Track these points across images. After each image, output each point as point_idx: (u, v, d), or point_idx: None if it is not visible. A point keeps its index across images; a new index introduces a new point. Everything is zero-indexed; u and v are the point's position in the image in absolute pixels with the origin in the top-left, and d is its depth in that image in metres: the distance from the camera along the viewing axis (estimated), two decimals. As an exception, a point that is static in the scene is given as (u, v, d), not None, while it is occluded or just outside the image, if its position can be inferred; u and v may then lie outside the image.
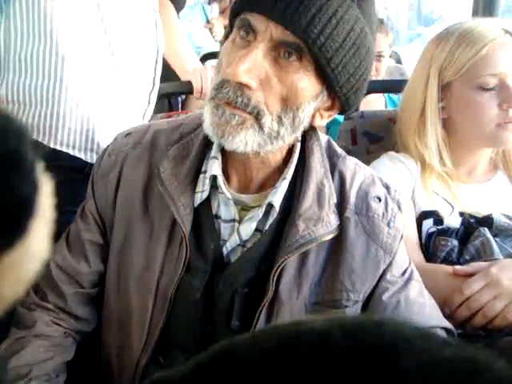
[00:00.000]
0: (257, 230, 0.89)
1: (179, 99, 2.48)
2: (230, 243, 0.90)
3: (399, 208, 0.93)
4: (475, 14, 1.86)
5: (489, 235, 1.14)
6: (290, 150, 0.90)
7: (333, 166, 0.93)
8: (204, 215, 0.90)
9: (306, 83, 0.80)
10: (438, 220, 1.19)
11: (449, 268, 1.08)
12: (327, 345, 0.31)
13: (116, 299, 0.95)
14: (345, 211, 0.90)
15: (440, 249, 1.16)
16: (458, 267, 1.07)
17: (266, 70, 0.79)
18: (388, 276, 0.92)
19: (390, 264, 0.92)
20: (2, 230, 0.37)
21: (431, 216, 1.20)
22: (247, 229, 0.89)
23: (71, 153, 1.21)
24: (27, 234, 0.39)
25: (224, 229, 0.91)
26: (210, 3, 3.25)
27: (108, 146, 0.99)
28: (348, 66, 0.81)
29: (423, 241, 1.19)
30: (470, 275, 1.03)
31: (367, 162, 1.39)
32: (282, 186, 0.88)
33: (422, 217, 1.21)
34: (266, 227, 0.89)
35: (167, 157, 0.91)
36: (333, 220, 0.88)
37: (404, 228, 0.95)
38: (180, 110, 2.33)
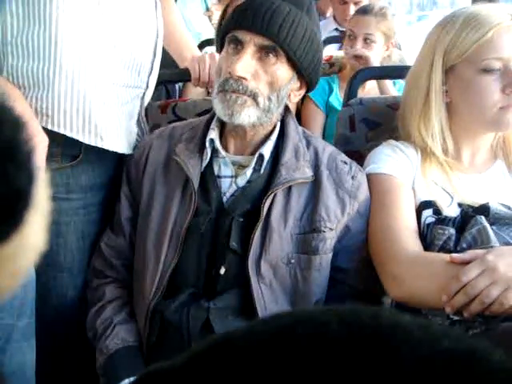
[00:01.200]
0: (248, 181, 1.20)
1: (177, 86, 2.47)
2: (229, 192, 1.21)
3: (360, 170, 1.25)
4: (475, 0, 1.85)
5: (485, 223, 1.14)
6: (274, 128, 1.24)
7: (308, 142, 1.26)
8: (208, 175, 1.22)
9: (282, 71, 1.17)
10: (437, 210, 1.19)
11: (446, 256, 1.09)
12: (325, 335, 0.31)
13: (137, 252, 1.24)
14: (319, 167, 1.22)
15: (437, 237, 1.16)
16: (454, 255, 1.07)
17: (255, 67, 1.15)
18: (352, 212, 1.21)
19: (354, 205, 1.21)
20: None
21: (430, 206, 1.20)
22: (243, 178, 1.21)
23: (68, 134, 1.19)
24: (23, 226, 0.39)
25: (224, 183, 1.22)
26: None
27: (138, 144, 1.35)
28: (307, 55, 1.17)
29: (422, 230, 1.19)
30: (467, 263, 1.03)
31: (366, 150, 1.40)
32: (269, 144, 1.21)
33: (422, 207, 1.21)
34: (261, 171, 1.20)
35: (181, 140, 1.25)
36: (307, 170, 1.20)
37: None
38: (178, 97, 2.32)
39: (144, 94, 1.38)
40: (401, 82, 2.11)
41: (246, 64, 1.13)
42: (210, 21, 2.96)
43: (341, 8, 2.71)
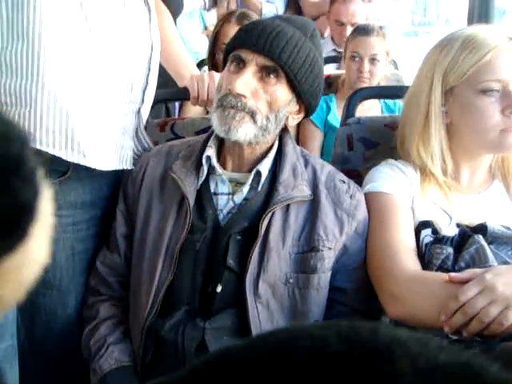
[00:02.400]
0: (245, 199, 1.20)
1: (176, 105, 2.48)
2: (226, 209, 1.21)
3: (358, 189, 1.25)
4: (470, 20, 1.87)
5: (483, 242, 1.14)
6: (271, 146, 1.24)
7: (306, 161, 1.26)
8: (204, 192, 1.22)
9: (282, 92, 1.17)
10: (436, 230, 1.19)
11: (444, 275, 1.08)
12: (323, 350, 0.31)
13: (133, 269, 1.24)
14: (317, 186, 1.22)
15: (435, 256, 1.16)
16: (453, 274, 1.07)
17: (255, 85, 1.16)
18: (350, 232, 1.21)
19: (352, 224, 1.21)
20: (4, 233, 0.38)
21: (429, 226, 1.20)
22: (240, 196, 1.20)
23: (51, 152, 1.17)
24: (28, 238, 0.40)
25: (221, 200, 1.22)
26: (208, 10, 3.26)
27: (136, 161, 1.34)
28: (308, 79, 1.18)
29: (420, 250, 1.19)
30: (466, 282, 1.03)
31: (365, 168, 1.41)
32: (266, 161, 1.22)
33: (420, 226, 1.21)
34: (259, 189, 1.20)
35: (178, 158, 1.25)
36: (305, 189, 1.20)
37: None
38: (177, 115, 2.33)
39: (139, 108, 1.36)
40: (398, 103, 2.14)
41: (247, 82, 1.14)
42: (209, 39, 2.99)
43: (338, 29, 2.75)
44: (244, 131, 1.15)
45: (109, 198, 1.35)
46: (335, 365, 0.30)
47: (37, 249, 0.42)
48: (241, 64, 1.16)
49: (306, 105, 1.23)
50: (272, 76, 1.15)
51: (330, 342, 0.31)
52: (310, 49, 1.18)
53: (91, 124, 1.23)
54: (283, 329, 0.34)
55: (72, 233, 1.29)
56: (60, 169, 1.22)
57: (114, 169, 1.30)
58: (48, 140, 1.17)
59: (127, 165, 1.35)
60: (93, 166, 1.23)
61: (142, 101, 1.36)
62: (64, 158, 1.19)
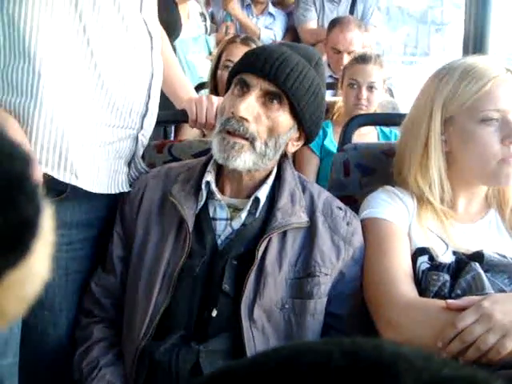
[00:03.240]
0: (243, 224, 1.20)
1: (172, 127, 2.49)
2: (224, 234, 1.21)
3: (355, 216, 1.25)
4: (466, 51, 1.90)
5: (480, 270, 1.14)
6: (270, 172, 1.25)
7: (304, 188, 1.27)
8: (203, 217, 1.22)
9: (284, 118, 1.18)
10: (433, 257, 1.20)
11: (441, 302, 1.08)
12: (327, 365, 0.31)
13: (128, 291, 1.23)
14: (315, 212, 1.22)
15: (432, 283, 1.16)
16: (450, 301, 1.07)
17: (258, 110, 1.16)
18: (347, 258, 1.21)
19: (349, 251, 1.21)
20: (7, 249, 0.38)
21: (426, 253, 1.20)
22: (238, 221, 1.21)
23: (43, 170, 1.17)
24: (30, 254, 0.40)
25: (219, 225, 1.22)
26: (209, 34, 3.30)
27: (134, 183, 1.35)
28: (310, 107, 1.19)
29: (417, 276, 1.19)
30: (463, 309, 1.03)
31: (361, 195, 1.41)
32: (265, 188, 1.22)
33: (417, 253, 1.21)
34: (257, 215, 1.20)
35: (177, 181, 1.26)
36: (303, 216, 1.20)
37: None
38: (173, 137, 2.34)
39: (138, 134, 1.37)
40: (394, 130, 2.16)
41: (250, 106, 1.15)
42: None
43: (335, 57, 2.79)
44: (243, 160, 1.17)
45: (104, 219, 1.35)
46: (340, 379, 0.30)
47: (38, 264, 0.43)
48: (245, 88, 1.17)
49: (307, 132, 1.24)
50: (275, 102, 1.16)
51: (334, 357, 0.31)
52: (314, 77, 1.19)
53: (85, 145, 1.23)
54: (286, 345, 0.35)
55: (66, 252, 1.28)
56: (58, 188, 1.22)
57: (105, 192, 1.30)
58: (41, 158, 1.17)
59: (122, 188, 1.35)
60: (84, 188, 1.23)
61: (141, 127, 1.37)
62: (56, 177, 1.19)
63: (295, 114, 1.18)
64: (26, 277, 0.42)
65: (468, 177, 1.26)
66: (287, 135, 1.20)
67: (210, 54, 3.05)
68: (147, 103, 1.36)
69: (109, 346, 1.24)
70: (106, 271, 1.29)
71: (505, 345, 0.97)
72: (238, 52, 2.10)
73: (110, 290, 1.28)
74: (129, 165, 1.40)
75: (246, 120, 1.15)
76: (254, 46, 2.01)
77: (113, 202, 1.34)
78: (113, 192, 1.33)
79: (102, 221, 1.34)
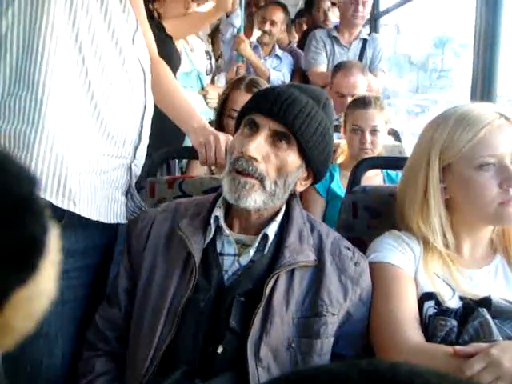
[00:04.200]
0: (251, 261, 1.21)
1: (176, 162, 2.51)
2: (232, 270, 1.21)
3: (363, 257, 1.26)
4: (473, 95, 1.92)
5: (488, 316, 1.14)
6: (279, 210, 1.26)
7: (312, 227, 1.28)
8: (211, 252, 1.22)
9: (292, 158, 1.19)
10: (439, 302, 1.20)
11: (449, 348, 1.07)
12: (345, 383, 0.31)
13: (133, 325, 1.23)
14: (323, 252, 1.23)
15: (439, 329, 1.15)
16: (458, 347, 1.06)
17: (267, 150, 1.18)
18: (354, 299, 1.21)
19: (356, 291, 1.21)
20: (16, 266, 0.40)
21: (432, 298, 1.20)
22: (246, 257, 1.21)
23: (42, 196, 1.17)
24: (38, 272, 0.42)
25: (227, 261, 1.22)
26: (218, 73, 3.35)
27: (139, 215, 1.36)
28: (318, 147, 1.21)
29: (424, 321, 1.19)
30: (470, 356, 1.02)
31: (369, 237, 1.42)
32: (273, 225, 1.23)
33: (424, 298, 1.21)
34: (265, 251, 1.21)
35: (186, 215, 1.27)
36: (311, 254, 1.21)
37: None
38: (180, 173, 2.37)
39: (131, 164, 1.39)
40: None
41: (259, 146, 1.17)
42: (205, 100, 3.06)
43: (339, 101, 2.82)
44: (253, 199, 1.18)
45: (101, 248, 1.35)
46: None
47: (45, 282, 0.45)
48: (254, 128, 1.20)
49: (315, 172, 1.26)
50: (283, 141, 1.18)
51: (352, 377, 0.32)
52: (322, 118, 1.21)
53: (82, 173, 1.25)
54: (305, 368, 0.35)
55: (62, 280, 1.26)
56: (55, 216, 1.22)
57: (106, 222, 1.32)
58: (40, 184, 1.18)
59: (120, 219, 1.36)
60: (82, 214, 1.25)
61: (134, 156, 1.39)
62: (54, 203, 1.20)
63: (303, 153, 1.20)
64: (34, 294, 0.43)
65: (470, 221, 1.27)
66: (296, 174, 1.22)
67: (203, 88, 3.09)
68: (140, 133, 1.39)
69: (111, 380, 1.23)
70: (111, 304, 1.28)
71: None
72: (242, 100, 2.11)
73: (114, 323, 1.27)
74: (126, 196, 1.42)
75: (256, 159, 1.17)
76: None
77: (108, 232, 1.35)
78: (111, 221, 1.34)
79: (97, 250, 1.34)
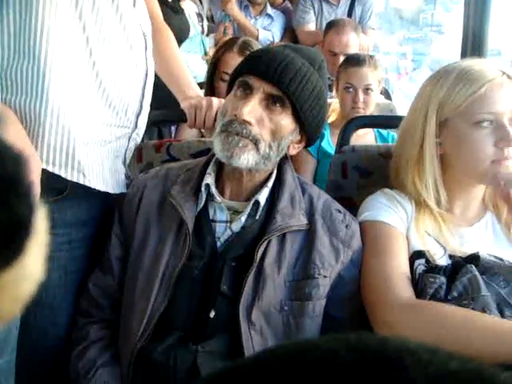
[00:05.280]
0: (243, 227, 1.20)
1: (172, 128, 2.49)
2: (224, 237, 1.20)
3: (353, 219, 1.26)
4: (464, 53, 1.90)
5: (476, 272, 1.15)
6: (270, 174, 1.24)
7: (303, 190, 1.27)
8: (203, 219, 1.21)
9: (286, 122, 1.18)
10: (429, 261, 1.20)
11: (437, 304, 1.09)
12: (333, 360, 0.31)
13: (126, 292, 1.22)
14: (314, 215, 1.22)
15: (428, 285, 1.16)
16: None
17: (261, 113, 1.16)
18: (345, 261, 1.21)
19: (347, 253, 1.21)
20: (0, 248, 0.39)
21: (423, 256, 1.21)
22: (238, 224, 1.20)
23: (51, 169, 1.17)
24: (23, 254, 0.41)
25: (219, 228, 1.21)
26: (207, 35, 3.30)
27: (131, 182, 1.34)
28: (313, 111, 1.19)
29: (415, 279, 1.20)
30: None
31: (358, 196, 1.42)
32: (265, 191, 1.22)
33: (415, 256, 1.22)
34: (257, 217, 1.20)
35: (177, 182, 1.25)
36: (302, 218, 1.20)
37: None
38: (173, 136, 2.35)
39: (132, 132, 1.38)
40: (392, 133, 2.17)
41: (253, 109, 1.14)
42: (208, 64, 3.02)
43: (331, 59, 2.78)
44: (246, 158, 1.16)
45: (102, 218, 1.35)
46: (347, 374, 0.30)
47: (32, 265, 0.43)
48: (247, 90, 1.17)
49: (309, 135, 1.24)
50: (278, 105, 1.16)
51: (341, 353, 0.31)
52: (317, 81, 1.19)
53: (89, 144, 1.24)
54: (291, 342, 0.35)
55: (66, 251, 1.28)
56: (58, 187, 1.22)
57: (111, 191, 1.31)
58: (49, 158, 1.17)
59: (123, 188, 1.36)
60: (92, 186, 1.24)
61: (136, 126, 1.38)
62: (63, 176, 1.19)
63: (298, 117, 1.18)
64: (20, 277, 0.42)
65: (463, 179, 1.26)
66: (289, 138, 1.20)
67: (206, 54, 3.05)
68: (141, 102, 1.37)
69: (106, 346, 1.24)
70: (104, 272, 1.29)
71: None
72: (234, 63, 2.07)
73: (107, 291, 1.27)
74: (124, 164, 1.41)
75: (249, 123, 1.14)
76: None
77: (109, 202, 1.35)
78: (115, 191, 1.34)
79: (98, 220, 1.35)
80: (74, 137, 1.19)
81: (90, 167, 1.23)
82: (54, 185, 1.21)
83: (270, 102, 1.16)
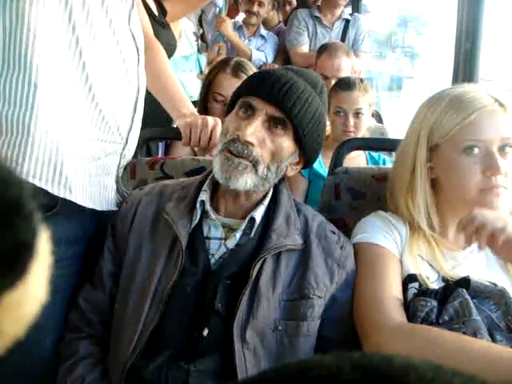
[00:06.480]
0: (238, 244, 1.20)
1: (160, 144, 2.48)
2: (218, 254, 1.20)
3: (347, 241, 1.27)
4: (455, 78, 1.93)
5: (467, 296, 1.16)
6: (266, 193, 1.25)
7: (299, 210, 1.27)
8: (197, 236, 1.21)
9: (287, 144, 1.19)
10: (422, 285, 1.21)
11: (428, 328, 1.09)
12: (337, 377, 0.31)
13: (117, 308, 1.21)
14: (309, 236, 1.23)
15: (419, 309, 1.17)
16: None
17: (263, 134, 1.17)
18: (340, 282, 1.21)
19: (342, 274, 1.22)
20: (5, 269, 0.39)
21: (416, 280, 1.21)
22: (232, 241, 1.20)
23: (37, 184, 1.15)
24: (27, 275, 0.42)
25: (213, 244, 1.21)
26: (200, 53, 3.32)
27: (125, 198, 1.35)
28: (313, 134, 1.21)
29: (407, 303, 1.20)
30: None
31: (351, 217, 1.43)
32: (261, 208, 1.22)
33: (408, 280, 1.22)
34: (251, 235, 1.20)
35: (171, 199, 1.25)
36: (297, 238, 1.21)
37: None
38: (163, 154, 2.34)
39: (123, 149, 1.37)
40: (382, 156, 2.19)
41: (256, 130, 1.16)
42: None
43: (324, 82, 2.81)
44: (244, 181, 1.17)
45: (92, 235, 1.33)
46: None
47: (36, 286, 0.44)
48: (249, 111, 1.18)
49: (307, 158, 1.26)
50: (280, 127, 1.17)
51: (344, 370, 0.31)
52: (318, 104, 1.21)
53: (77, 160, 1.22)
54: (295, 361, 0.35)
55: (55, 269, 1.25)
56: (48, 203, 1.20)
57: (99, 209, 1.30)
58: (36, 172, 1.15)
59: (112, 206, 1.35)
60: (78, 202, 1.23)
61: (126, 142, 1.37)
62: (50, 191, 1.17)
63: (298, 139, 1.19)
64: (24, 298, 0.43)
65: (454, 203, 1.27)
66: (289, 160, 1.22)
67: (201, 72, 3.06)
68: (133, 117, 1.36)
69: (95, 363, 1.22)
70: (95, 286, 1.27)
71: None
72: (228, 84, 2.08)
73: (98, 306, 1.26)
74: (116, 182, 1.40)
75: (252, 144, 1.16)
76: (245, 76, 1.98)
77: (99, 220, 1.33)
78: (103, 209, 1.32)
79: (88, 237, 1.33)
80: (62, 151, 1.18)
81: (77, 183, 1.22)
82: (44, 201, 1.18)
83: (272, 123, 1.17)
